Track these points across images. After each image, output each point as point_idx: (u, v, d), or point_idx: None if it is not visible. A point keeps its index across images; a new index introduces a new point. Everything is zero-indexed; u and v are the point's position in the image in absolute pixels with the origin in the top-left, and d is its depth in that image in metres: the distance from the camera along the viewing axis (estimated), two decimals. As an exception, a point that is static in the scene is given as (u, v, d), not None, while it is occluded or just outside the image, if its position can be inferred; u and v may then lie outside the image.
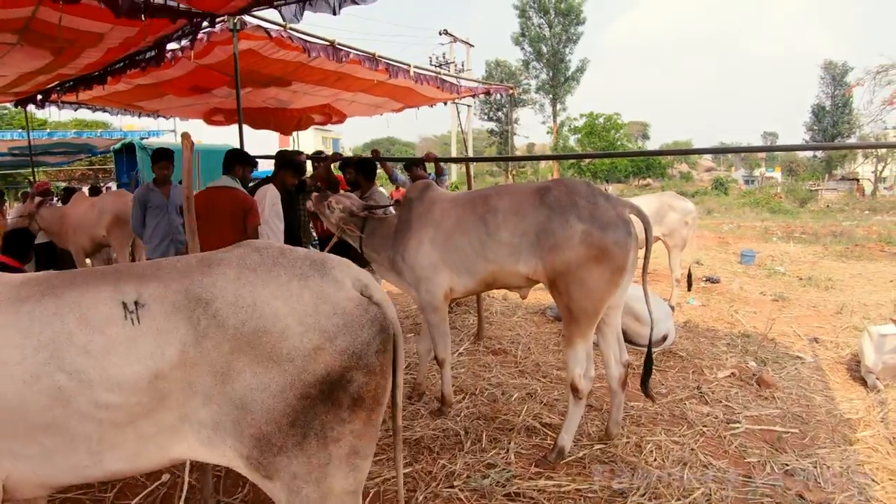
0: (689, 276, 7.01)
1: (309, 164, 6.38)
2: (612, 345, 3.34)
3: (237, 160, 4.34)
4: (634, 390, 4.41)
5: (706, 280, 8.88)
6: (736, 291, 8.15)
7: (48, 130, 18.57)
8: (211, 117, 10.13)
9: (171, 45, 6.90)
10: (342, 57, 7.13)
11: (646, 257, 3.18)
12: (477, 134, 54.34)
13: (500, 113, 39.32)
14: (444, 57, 20.92)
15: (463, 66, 20.94)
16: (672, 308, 6.67)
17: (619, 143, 38.93)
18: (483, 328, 5.63)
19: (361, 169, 4.68)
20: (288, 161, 4.85)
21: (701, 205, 29.08)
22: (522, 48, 33.40)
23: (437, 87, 9.11)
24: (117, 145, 15.01)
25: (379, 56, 7.68)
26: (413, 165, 5.85)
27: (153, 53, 6.96)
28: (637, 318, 5.23)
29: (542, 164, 53.70)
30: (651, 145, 55.23)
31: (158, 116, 11.01)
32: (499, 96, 38.41)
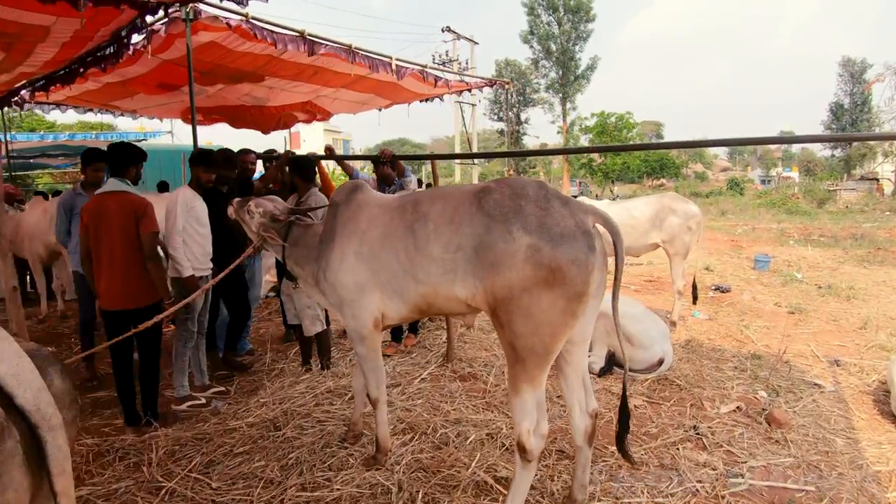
0: (695, 286, 6.22)
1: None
2: (577, 390, 2.60)
3: (128, 159, 3.68)
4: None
5: (715, 289, 8.07)
6: (747, 302, 7.35)
7: (41, 133, 18.10)
8: (188, 116, 9.57)
9: (132, 40, 6.37)
10: (315, 49, 6.51)
11: (615, 279, 2.44)
12: (489, 134, 53.66)
13: (510, 113, 38.53)
14: (447, 55, 20.18)
15: (467, 63, 20.18)
16: (674, 324, 5.92)
17: (631, 142, 37.93)
18: (453, 348, 4.91)
19: (296, 168, 4.00)
20: (196, 156, 4.18)
21: (715, 206, 28.13)
22: (531, 46, 32.61)
23: (424, 81, 8.44)
24: (106, 147, 14.54)
25: (356, 48, 7.03)
26: (382, 164, 5.18)
27: (112, 49, 6.47)
28: (629, 339, 4.49)
29: (555, 164, 52.71)
30: (665, 145, 53.68)
31: (139, 116, 10.45)
32: (508, 96, 37.72)
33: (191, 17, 5.49)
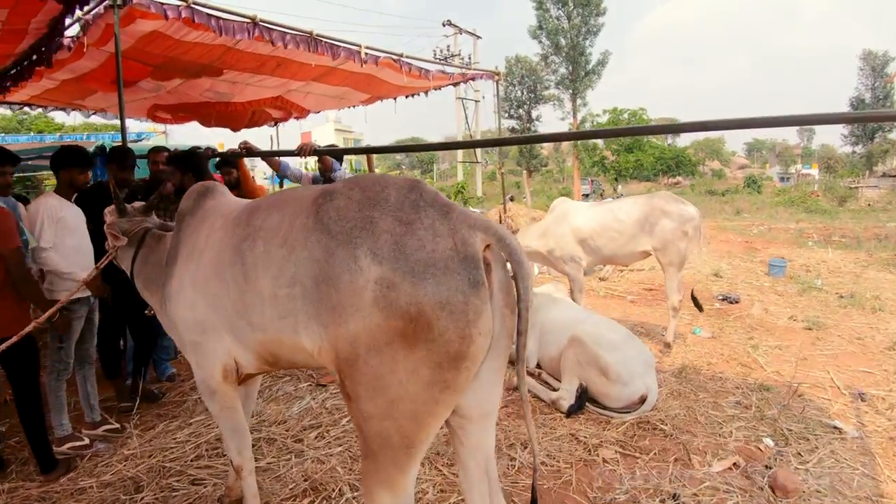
0: (695, 299, 5.35)
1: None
2: (477, 483, 1.77)
3: None
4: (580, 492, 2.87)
5: (722, 299, 7.18)
6: (758, 316, 6.44)
7: (32, 134, 17.61)
8: (154, 114, 8.84)
9: (72, 31, 5.75)
10: (274, 38, 5.81)
11: (519, 327, 1.60)
12: (501, 133, 52.29)
13: (520, 110, 37.43)
14: (448, 49, 19.35)
15: (470, 58, 19.34)
16: (668, 345, 5.06)
17: (645, 140, 36.71)
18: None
19: (184, 165, 3.23)
20: (60, 157, 3.44)
21: (730, 204, 26.99)
22: (540, 41, 31.45)
23: (403, 72, 7.64)
24: (92, 148, 14.08)
25: (318, 35, 6.26)
26: (324, 156, 4.44)
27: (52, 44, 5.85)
28: (605, 372, 3.66)
29: (568, 162, 51.48)
30: (681, 143, 52.46)
31: (108, 114, 9.75)
32: (519, 93, 36.67)
33: (119, 2, 4.82)
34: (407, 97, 9.58)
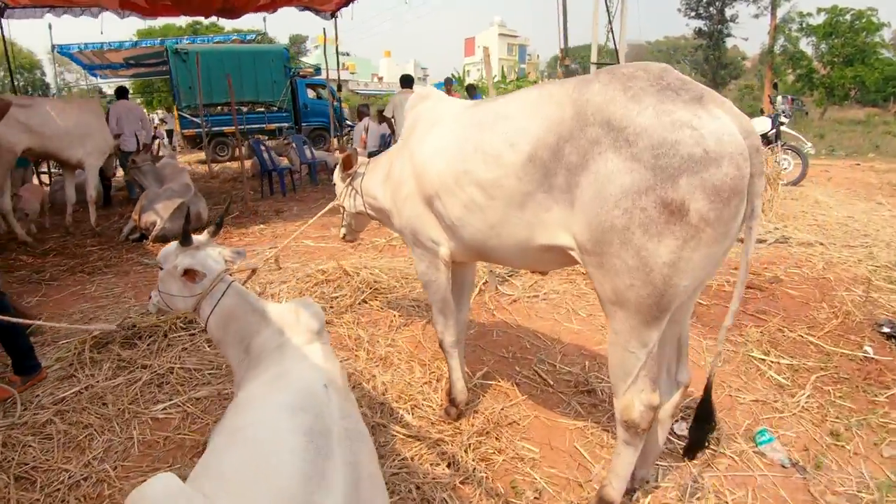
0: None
1: None
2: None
3: None
4: None
5: (882, 332, 3.30)
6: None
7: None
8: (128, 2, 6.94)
9: None
10: None
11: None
12: (675, 40, 43.55)
13: (711, 8, 29.73)
14: None
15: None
16: None
17: (873, 52, 27.09)
18: None
19: None
20: None
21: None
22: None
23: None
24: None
25: None
26: None
27: None
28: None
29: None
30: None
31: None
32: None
33: None
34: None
